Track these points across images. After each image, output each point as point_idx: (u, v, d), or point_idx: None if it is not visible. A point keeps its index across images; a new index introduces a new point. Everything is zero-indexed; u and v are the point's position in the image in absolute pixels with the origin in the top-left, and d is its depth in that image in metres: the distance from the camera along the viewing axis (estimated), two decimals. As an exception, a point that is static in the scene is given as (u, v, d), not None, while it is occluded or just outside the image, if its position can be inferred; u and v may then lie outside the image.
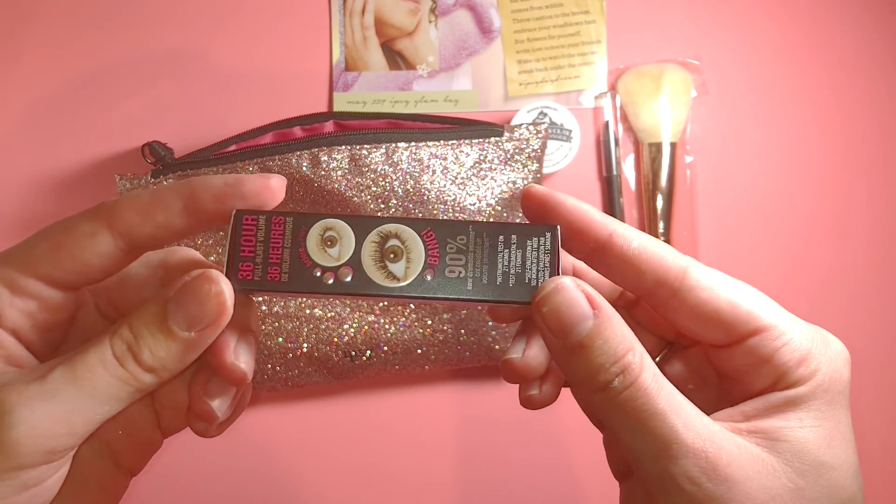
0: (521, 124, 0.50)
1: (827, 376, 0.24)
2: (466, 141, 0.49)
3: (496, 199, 0.49)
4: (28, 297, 0.24)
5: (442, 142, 0.49)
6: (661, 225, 0.55)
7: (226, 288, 0.23)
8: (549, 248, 0.25)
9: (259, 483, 0.54)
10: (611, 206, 0.56)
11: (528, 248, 0.25)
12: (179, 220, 0.24)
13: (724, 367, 0.26)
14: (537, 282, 0.25)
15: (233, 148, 0.49)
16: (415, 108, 0.56)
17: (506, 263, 0.25)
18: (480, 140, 0.49)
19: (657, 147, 0.55)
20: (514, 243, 0.25)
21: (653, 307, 0.26)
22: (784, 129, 0.58)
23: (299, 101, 0.56)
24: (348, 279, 0.24)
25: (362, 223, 0.24)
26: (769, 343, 0.24)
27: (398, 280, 0.24)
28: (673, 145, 0.55)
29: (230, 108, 0.56)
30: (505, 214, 0.50)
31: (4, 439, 0.21)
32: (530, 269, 0.25)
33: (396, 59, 0.57)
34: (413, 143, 0.48)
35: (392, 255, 0.24)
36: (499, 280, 0.25)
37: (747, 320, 0.24)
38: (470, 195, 0.49)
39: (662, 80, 0.55)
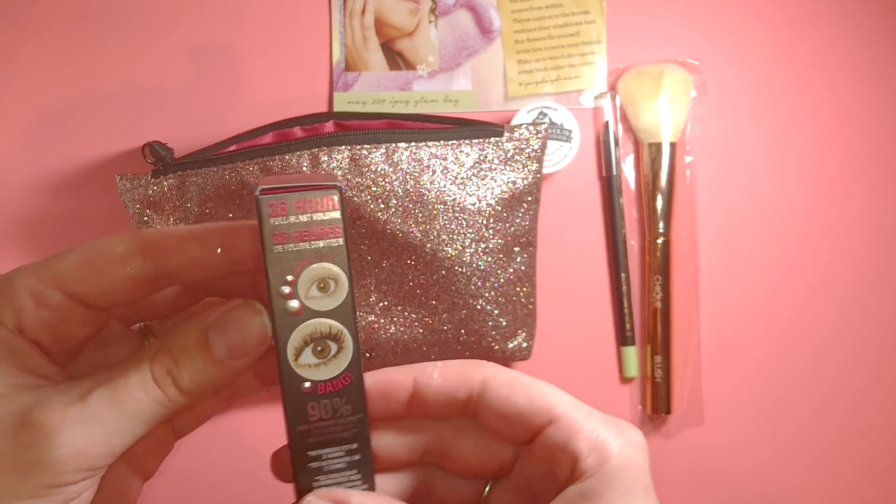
0: (521, 124, 0.50)
1: (617, 464, 0.24)
2: (466, 141, 0.49)
3: (496, 199, 0.49)
4: (52, 310, 0.24)
5: (442, 142, 0.49)
6: (660, 225, 0.55)
7: (269, 321, 0.23)
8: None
9: (259, 483, 0.54)
10: (611, 206, 0.56)
11: (349, 469, 0.25)
12: (213, 257, 0.24)
13: (534, 469, 0.27)
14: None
15: (233, 148, 0.49)
16: (415, 108, 0.56)
17: (326, 456, 0.25)
18: (480, 140, 0.49)
19: (657, 147, 0.55)
20: (351, 452, 0.25)
21: (473, 418, 0.27)
22: (784, 129, 0.58)
23: (299, 101, 0.56)
24: (294, 309, 0.24)
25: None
26: (562, 431, 0.25)
27: (295, 362, 0.24)
28: (673, 145, 0.55)
29: (230, 108, 0.56)
30: (505, 214, 0.50)
31: (49, 459, 0.22)
32: (330, 479, 0.25)
33: (396, 59, 0.57)
34: (413, 144, 0.48)
35: (319, 350, 0.24)
36: (312, 455, 0.25)
37: (543, 412, 0.25)
38: (470, 195, 0.49)
39: (662, 80, 0.55)
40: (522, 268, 0.51)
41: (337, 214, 0.23)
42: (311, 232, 0.23)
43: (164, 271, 0.24)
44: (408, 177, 0.48)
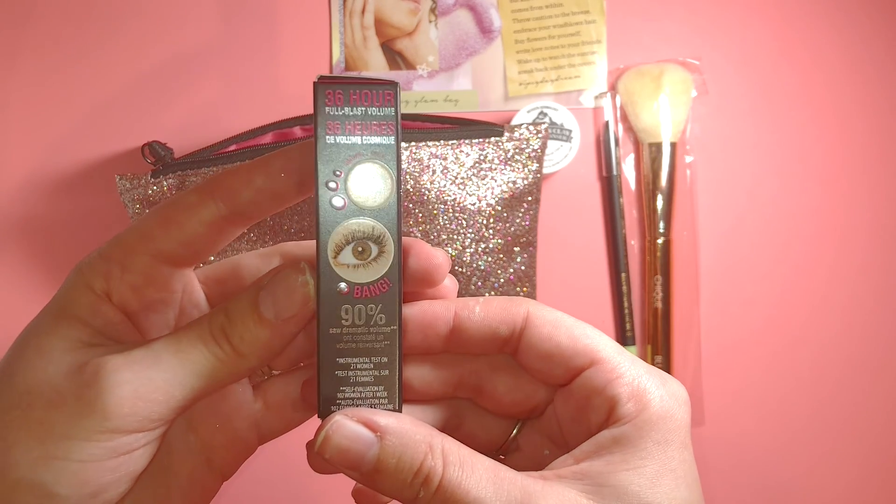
0: (522, 124, 0.50)
1: (656, 414, 0.24)
2: (466, 141, 0.49)
3: (496, 198, 0.49)
4: (137, 273, 0.25)
5: (442, 142, 0.49)
6: (661, 225, 0.55)
7: (311, 280, 0.24)
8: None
9: (259, 482, 0.54)
10: (611, 206, 0.56)
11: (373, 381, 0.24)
12: (279, 183, 0.24)
13: (568, 411, 0.26)
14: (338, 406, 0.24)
15: (233, 148, 0.49)
16: (415, 108, 0.56)
17: (354, 367, 0.24)
18: (480, 140, 0.49)
19: (657, 147, 0.55)
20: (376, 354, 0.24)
21: (513, 355, 0.27)
22: (784, 129, 0.58)
23: (299, 101, 0.56)
24: (339, 205, 0.24)
25: (391, 215, 0.24)
26: (603, 374, 0.25)
27: (334, 260, 0.24)
28: (673, 145, 0.55)
29: (230, 108, 0.56)
30: (505, 214, 0.50)
31: (107, 398, 0.22)
32: (355, 391, 0.24)
33: (396, 59, 0.57)
34: (413, 143, 0.48)
35: (360, 250, 0.24)
36: (341, 363, 0.24)
37: (585, 353, 0.25)
38: (470, 195, 0.49)
39: (662, 80, 0.55)
40: (522, 268, 0.51)
41: (392, 111, 0.23)
42: (365, 126, 0.23)
43: (237, 209, 0.24)
44: (408, 177, 0.48)
